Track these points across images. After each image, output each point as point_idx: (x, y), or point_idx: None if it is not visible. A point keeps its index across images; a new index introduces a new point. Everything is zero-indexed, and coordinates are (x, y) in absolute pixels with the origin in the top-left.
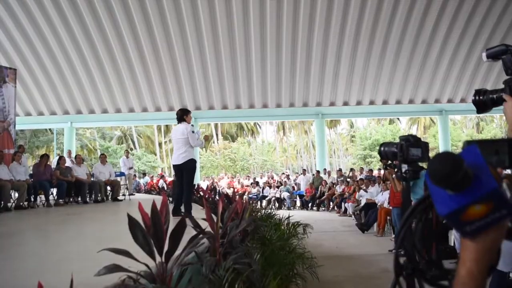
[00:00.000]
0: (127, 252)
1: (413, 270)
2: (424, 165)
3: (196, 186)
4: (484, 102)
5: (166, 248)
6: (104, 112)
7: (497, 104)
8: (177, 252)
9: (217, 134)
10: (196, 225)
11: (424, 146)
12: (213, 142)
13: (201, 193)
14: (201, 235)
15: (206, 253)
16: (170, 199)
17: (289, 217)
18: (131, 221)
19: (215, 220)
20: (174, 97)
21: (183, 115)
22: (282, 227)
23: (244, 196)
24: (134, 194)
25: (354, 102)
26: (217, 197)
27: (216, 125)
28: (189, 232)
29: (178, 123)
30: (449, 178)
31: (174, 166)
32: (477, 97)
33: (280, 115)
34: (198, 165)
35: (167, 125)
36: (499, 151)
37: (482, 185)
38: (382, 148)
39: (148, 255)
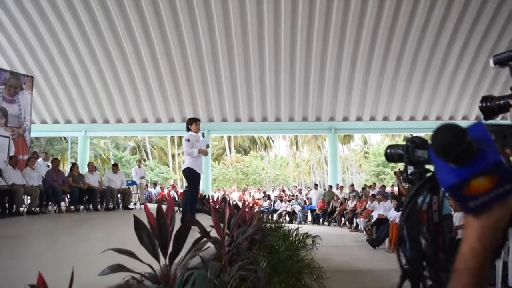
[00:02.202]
0: (132, 252)
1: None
2: (431, 167)
3: (203, 196)
4: (491, 108)
5: (170, 249)
6: (118, 122)
7: (504, 110)
8: (182, 254)
9: (230, 147)
10: (202, 230)
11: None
12: (226, 155)
13: (211, 203)
14: (205, 239)
15: (212, 260)
16: (180, 209)
17: (298, 228)
18: (137, 222)
19: (222, 226)
20: (188, 109)
21: (188, 124)
22: (291, 238)
23: (255, 209)
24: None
25: (367, 118)
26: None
27: (229, 138)
28: (195, 237)
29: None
30: (451, 149)
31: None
32: (484, 104)
33: (293, 128)
34: (208, 176)
35: (180, 137)
36: (507, 136)
37: (486, 157)
38: (388, 151)
39: (153, 256)
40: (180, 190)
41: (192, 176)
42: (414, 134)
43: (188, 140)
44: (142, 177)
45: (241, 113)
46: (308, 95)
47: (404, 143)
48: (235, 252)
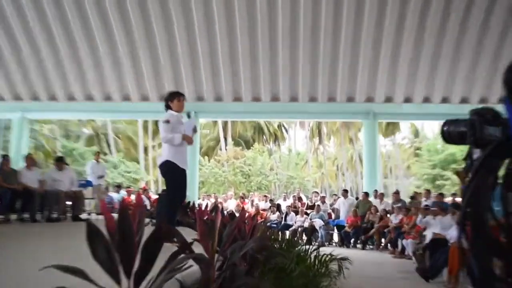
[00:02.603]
0: (81, 271)
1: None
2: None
3: (186, 203)
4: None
5: (136, 267)
6: (70, 100)
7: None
8: (152, 275)
9: (225, 138)
10: (182, 243)
11: (504, 124)
12: (220, 149)
13: (197, 213)
14: (185, 255)
15: (195, 286)
16: (152, 220)
17: (318, 247)
18: (91, 229)
19: (211, 242)
20: (168, 83)
21: (167, 100)
22: (308, 261)
23: (259, 221)
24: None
25: (419, 99)
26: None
27: (225, 125)
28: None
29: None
30: None
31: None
32: (446, 128)
33: (315, 112)
34: (194, 177)
35: (156, 122)
36: None
37: None
38: (446, 128)
39: (111, 276)
40: (155, 196)
41: (172, 172)
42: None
43: (168, 121)
44: (101, 176)
45: (243, 89)
46: (336, 66)
47: (468, 118)
48: (229, 276)
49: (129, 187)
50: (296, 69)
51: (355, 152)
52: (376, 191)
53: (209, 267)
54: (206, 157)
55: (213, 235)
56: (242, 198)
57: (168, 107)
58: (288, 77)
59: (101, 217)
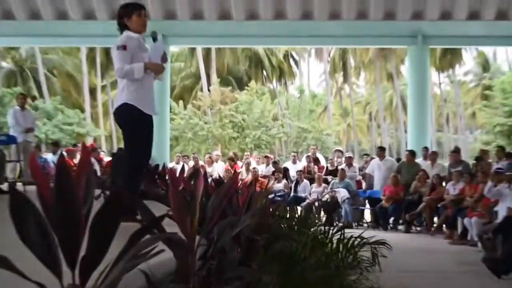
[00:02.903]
0: (3, 259)
1: None
2: None
3: (154, 166)
4: None
5: (83, 254)
6: None
7: None
8: (107, 264)
9: (208, 75)
10: (147, 218)
11: None
12: (201, 90)
13: (169, 181)
14: (154, 235)
15: (169, 280)
16: (105, 193)
17: (343, 228)
18: (16, 200)
19: (190, 217)
20: None
21: (121, 18)
22: (329, 246)
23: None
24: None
25: (491, 14)
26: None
27: (207, 55)
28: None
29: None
30: None
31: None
32: None
33: (337, 35)
34: (164, 130)
35: (107, 49)
36: None
37: None
38: None
39: (48, 267)
40: (107, 158)
41: (133, 121)
42: None
43: (124, 47)
44: (29, 130)
45: (232, 1)
46: None
47: None
48: (216, 266)
49: (72, 146)
50: None
51: (396, 94)
52: (426, 149)
53: (188, 253)
54: (180, 102)
55: (192, 208)
56: (233, 160)
57: (123, 26)
58: None
59: (31, 187)
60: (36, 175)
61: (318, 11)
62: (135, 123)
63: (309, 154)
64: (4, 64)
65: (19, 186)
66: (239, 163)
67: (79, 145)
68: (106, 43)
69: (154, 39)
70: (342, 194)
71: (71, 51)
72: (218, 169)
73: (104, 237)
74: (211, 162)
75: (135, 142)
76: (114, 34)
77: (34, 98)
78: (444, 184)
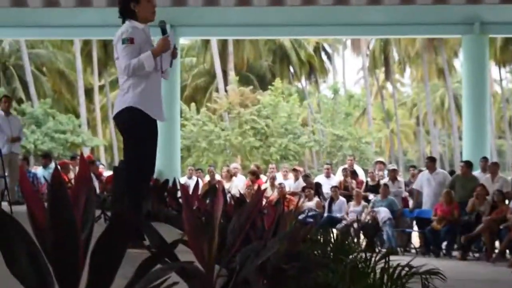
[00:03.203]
0: None
1: None
2: None
3: (162, 182)
4: None
5: (83, 286)
6: None
7: None
8: None
9: (225, 71)
10: (157, 244)
11: None
12: (216, 91)
13: (181, 198)
14: (166, 265)
15: None
16: (107, 215)
17: (387, 256)
18: (2, 220)
19: (208, 243)
20: None
21: (127, 2)
22: (372, 277)
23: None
24: (24, 202)
25: None
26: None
27: (223, 48)
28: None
29: (122, 23)
30: None
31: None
32: None
33: (378, 23)
34: (174, 139)
35: (106, 42)
36: None
37: None
38: None
39: None
40: (107, 172)
41: (137, 126)
42: None
43: (131, 40)
44: (16, 139)
45: None
46: None
47: None
48: None
49: (70, 158)
50: None
51: (448, 94)
52: (484, 159)
53: (205, 285)
54: (192, 105)
55: (210, 232)
56: (255, 174)
57: (127, 13)
58: None
59: (19, 208)
60: (26, 193)
61: None
62: (140, 130)
63: (346, 166)
64: None
65: (5, 206)
66: (263, 178)
67: (78, 156)
68: (104, 34)
69: (163, 30)
70: (384, 214)
71: (63, 44)
72: (238, 185)
73: (108, 266)
74: (229, 176)
75: (139, 152)
76: (113, 23)
77: (19, 102)
78: (507, 201)
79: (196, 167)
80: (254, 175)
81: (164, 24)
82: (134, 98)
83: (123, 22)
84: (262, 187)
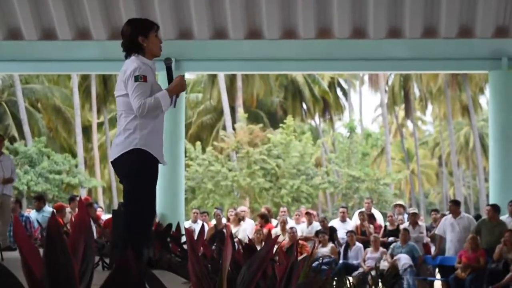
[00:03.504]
0: None
1: None
2: None
3: (165, 226)
4: None
5: None
6: None
7: None
8: None
9: (233, 108)
10: None
11: None
12: (223, 128)
13: (185, 244)
14: None
15: None
16: (105, 262)
17: None
18: None
19: None
20: (127, 6)
21: (134, 36)
22: None
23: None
24: (16, 248)
25: None
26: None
27: (231, 83)
28: None
29: (126, 58)
30: None
31: (113, 167)
32: None
33: (398, 57)
34: (178, 181)
35: (104, 78)
36: None
37: None
38: None
39: None
40: (105, 215)
41: (143, 169)
42: None
43: (144, 78)
44: (7, 180)
45: (264, 16)
46: None
47: None
48: None
49: (69, 201)
50: None
51: (473, 132)
52: None
53: None
54: (197, 144)
55: (218, 283)
56: (265, 217)
57: (134, 48)
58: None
59: (10, 254)
60: (20, 242)
61: (373, 27)
62: (147, 173)
63: (362, 209)
64: None
65: None
66: (273, 222)
67: (76, 198)
68: (103, 69)
69: (169, 68)
70: (405, 261)
71: (60, 79)
72: (246, 229)
73: None
74: (237, 220)
75: (142, 196)
76: (114, 57)
77: (11, 140)
78: None
79: (202, 210)
80: (264, 219)
81: (171, 61)
82: (141, 140)
83: (128, 57)
84: (273, 232)
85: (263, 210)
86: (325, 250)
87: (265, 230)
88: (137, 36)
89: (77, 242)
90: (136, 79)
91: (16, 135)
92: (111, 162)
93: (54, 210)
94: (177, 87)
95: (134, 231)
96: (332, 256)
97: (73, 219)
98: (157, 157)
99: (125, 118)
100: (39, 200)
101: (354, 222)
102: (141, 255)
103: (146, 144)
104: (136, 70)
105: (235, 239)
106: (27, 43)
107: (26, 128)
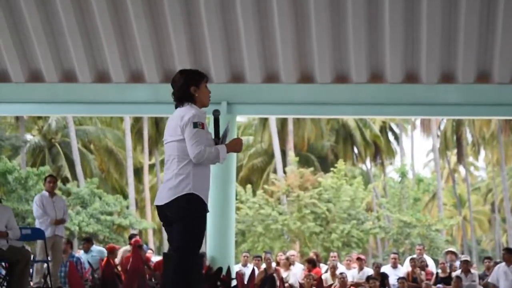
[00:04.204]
0: None
1: None
2: None
3: (215, 270)
4: None
5: None
6: (1, 81)
7: None
8: None
9: (284, 151)
10: None
11: None
12: (273, 172)
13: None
14: None
15: None
16: None
17: None
18: None
19: None
20: (180, 50)
21: (186, 87)
22: None
23: None
24: None
25: None
26: None
27: (282, 127)
28: None
29: (176, 107)
30: None
31: (157, 211)
32: None
33: (450, 103)
34: (229, 224)
35: (156, 121)
36: None
37: None
38: None
39: None
40: (156, 257)
41: (197, 214)
42: None
43: (202, 125)
44: (60, 221)
45: (316, 61)
46: (493, 16)
47: None
48: None
49: (107, 244)
50: (417, 21)
51: None
52: None
53: None
54: (248, 187)
55: None
56: (312, 262)
57: (186, 98)
58: (400, 44)
59: None
60: (74, 284)
61: (426, 73)
62: (199, 218)
63: (414, 256)
64: (29, 137)
65: None
66: (323, 267)
67: (136, 236)
68: (155, 111)
69: (216, 120)
70: None
71: (112, 121)
72: (296, 274)
73: None
74: (287, 264)
75: (193, 240)
76: (166, 100)
77: (64, 181)
78: None
79: (255, 254)
80: (311, 264)
81: (219, 113)
82: (195, 185)
83: (179, 106)
84: (323, 277)
85: (311, 255)
86: None
87: (314, 275)
88: (190, 86)
89: (131, 286)
90: (195, 125)
91: (69, 176)
92: (159, 205)
93: (106, 252)
94: (235, 146)
95: (185, 275)
96: None
97: (123, 260)
98: (206, 201)
99: (178, 163)
100: (88, 242)
101: (405, 268)
102: None
103: (199, 190)
104: (195, 117)
105: (286, 284)
106: (81, 86)
107: (78, 169)
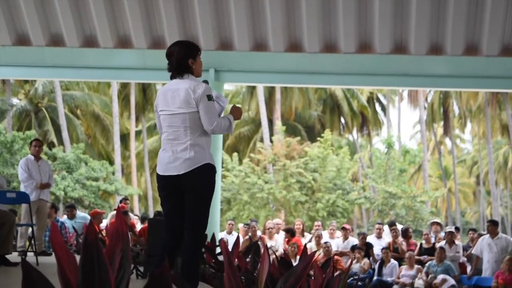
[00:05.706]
0: None
1: None
2: None
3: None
4: None
5: None
6: None
7: None
8: None
9: (271, 120)
10: None
11: None
12: (260, 141)
13: (220, 255)
14: None
15: None
16: (140, 271)
17: None
18: (29, 276)
19: None
20: (168, 18)
21: (185, 58)
22: None
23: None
24: (51, 253)
25: None
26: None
27: (270, 96)
28: None
29: (172, 77)
30: None
31: (164, 181)
32: None
33: (438, 74)
34: (218, 186)
35: (144, 87)
36: None
37: None
38: None
39: None
40: (139, 224)
41: (212, 183)
42: None
43: (213, 98)
44: (45, 185)
45: (304, 28)
46: None
47: None
48: None
49: (92, 210)
50: None
51: None
52: None
53: None
54: (234, 155)
55: None
56: (289, 231)
57: (183, 69)
58: (389, 15)
59: (45, 259)
60: (58, 248)
61: (414, 44)
62: (213, 187)
63: (401, 227)
64: (15, 101)
65: (30, 256)
66: (308, 236)
67: (100, 205)
68: (143, 77)
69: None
70: (440, 276)
71: (99, 87)
72: (279, 240)
73: None
74: (272, 232)
75: (208, 208)
76: (153, 66)
77: (50, 146)
78: None
79: (243, 223)
80: (289, 233)
81: (208, 83)
82: (210, 155)
83: (176, 77)
84: (308, 246)
85: (297, 224)
86: (358, 266)
87: (297, 243)
88: (188, 59)
89: (114, 250)
90: (209, 98)
91: (55, 140)
92: (172, 175)
93: (90, 217)
94: (238, 114)
95: (200, 243)
96: (367, 272)
97: (102, 227)
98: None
99: (191, 134)
100: (72, 209)
101: (390, 238)
102: (198, 274)
103: (212, 160)
104: (208, 89)
105: (271, 252)
106: (68, 50)
107: (65, 134)
